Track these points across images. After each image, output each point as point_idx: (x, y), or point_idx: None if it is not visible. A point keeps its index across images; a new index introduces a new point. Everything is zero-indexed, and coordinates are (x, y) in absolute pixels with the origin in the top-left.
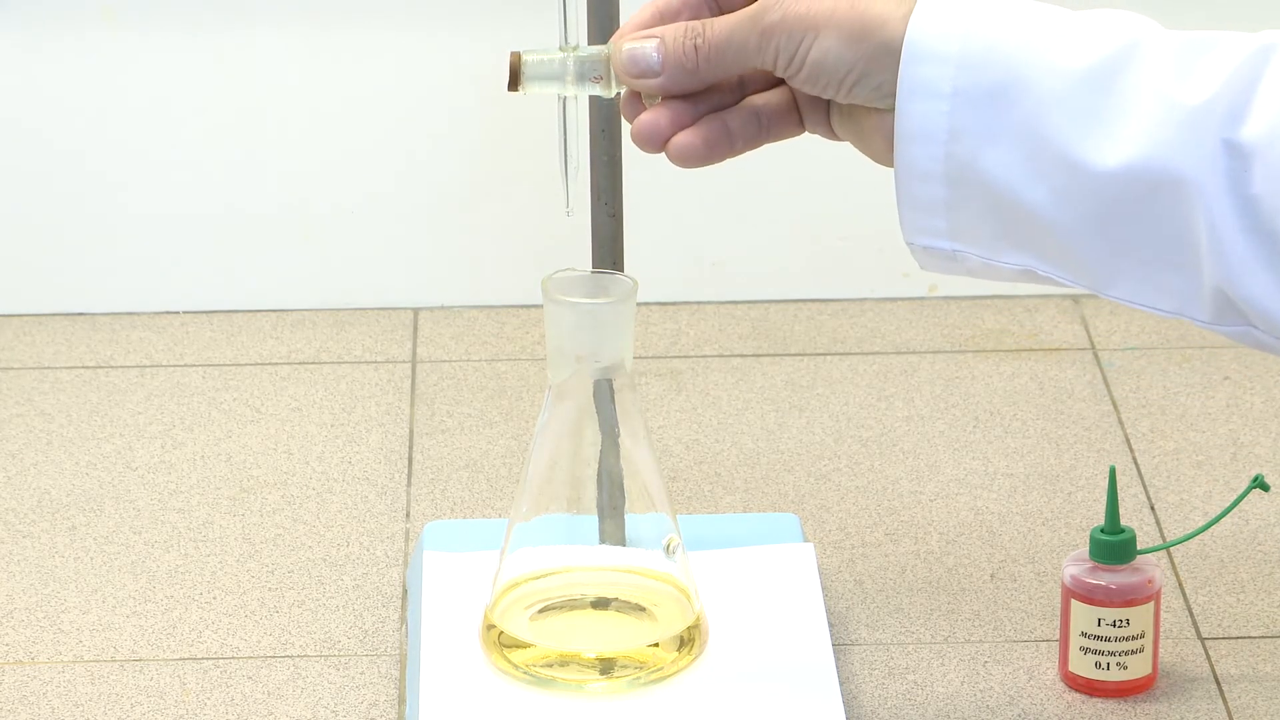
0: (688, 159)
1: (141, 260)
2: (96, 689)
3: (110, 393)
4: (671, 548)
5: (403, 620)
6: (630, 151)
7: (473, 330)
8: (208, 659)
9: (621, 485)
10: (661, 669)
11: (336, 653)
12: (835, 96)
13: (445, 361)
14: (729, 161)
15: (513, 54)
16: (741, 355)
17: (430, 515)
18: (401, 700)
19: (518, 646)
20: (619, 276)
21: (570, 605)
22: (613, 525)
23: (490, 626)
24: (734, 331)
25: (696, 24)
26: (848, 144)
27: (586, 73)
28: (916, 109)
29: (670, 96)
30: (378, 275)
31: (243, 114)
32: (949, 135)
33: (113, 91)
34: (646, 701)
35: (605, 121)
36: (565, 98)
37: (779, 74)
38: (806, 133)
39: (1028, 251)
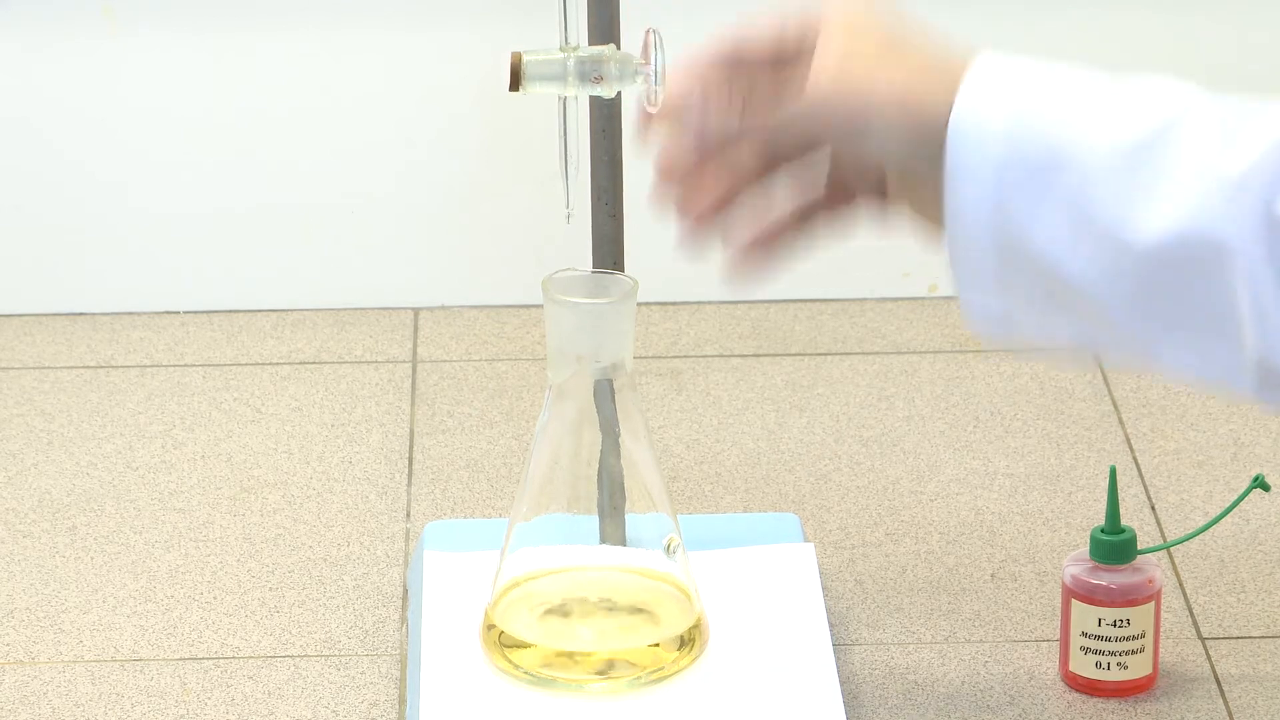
0: (750, 280)
1: (142, 260)
2: (97, 689)
3: (111, 392)
4: (672, 548)
5: (403, 620)
6: (630, 151)
7: (473, 330)
8: (208, 659)
9: (622, 485)
10: (662, 669)
11: (337, 652)
12: (894, 168)
13: (445, 361)
14: None
15: (514, 54)
16: (741, 355)
17: (431, 515)
18: (402, 700)
19: (518, 646)
20: (619, 276)
21: (571, 606)
22: (613, 525)
23: (491, 626)
24: (734, 331)
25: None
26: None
27: (587, 73)
28: (964, 188)
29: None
30: (378, 275)
31: (244, 114)
32: (995, 209)
33: (113, 91)
34: (647, 702)
35: (605, 121)
36: (565, 98)
37: (828, 149)
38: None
39: (1075, 322)
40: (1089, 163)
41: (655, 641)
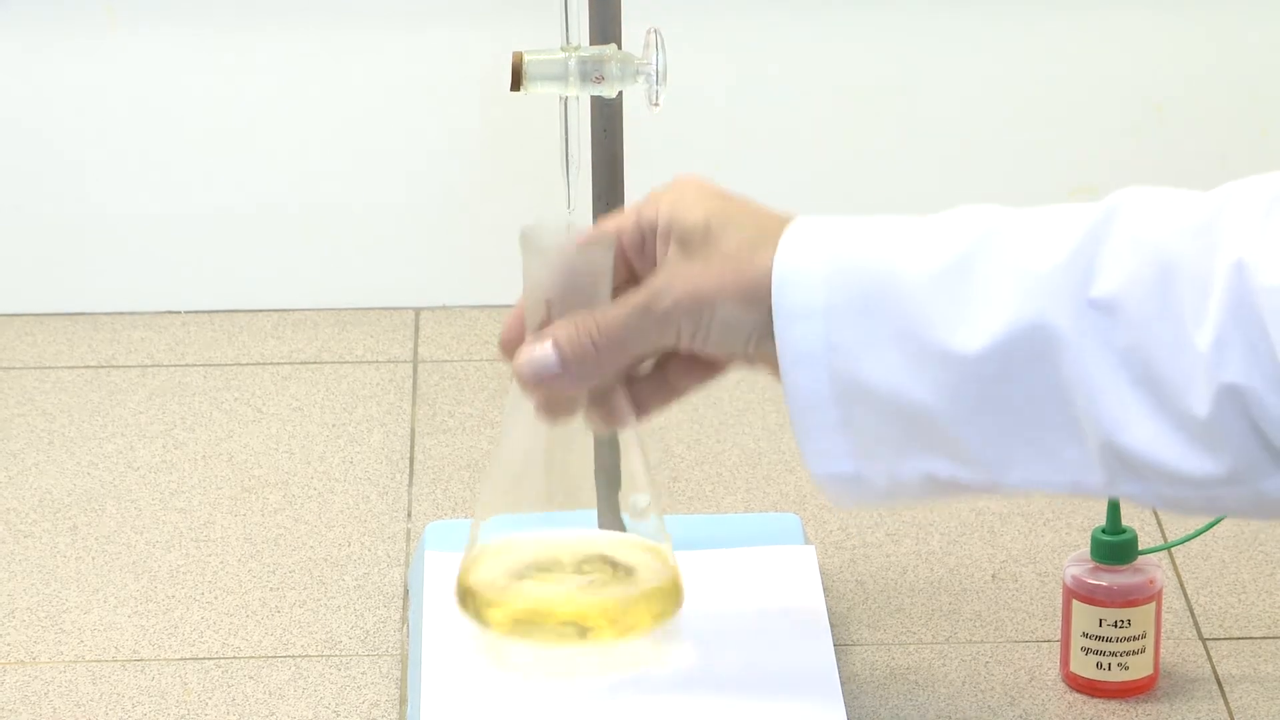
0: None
1: (143, 260)
2: (98, 689)
3: (111, 392)
4: (640, 508)
5: (404, 620)
6: (631, 151)
7: (474, 330)
8: (209, 659)
9: (616, 468)
10: (638, 626)
11: (338, 653)
12: (742, 354)
13: (447, 361)
14: (729, 160)
15: (515, 54)
16: None
17: (432, 515)
18: (403, 700)
19: (494, 605)
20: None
21: (546, 568)
22: (609, 511)
23: (468, 590)
24: None
25: (584, 319)
26: (842, 141)
27: (588, 73)
28: (794, 332)
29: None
30: (379, 275)
31: (244, 113)
32: (828, 350)
33: (113, 90)
34: (645, 701)
35: (606, 121)
36: (567, 98)
37: (684, 349)
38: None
39: (924, 456)
40: (909, 288)
41: (633, 595)
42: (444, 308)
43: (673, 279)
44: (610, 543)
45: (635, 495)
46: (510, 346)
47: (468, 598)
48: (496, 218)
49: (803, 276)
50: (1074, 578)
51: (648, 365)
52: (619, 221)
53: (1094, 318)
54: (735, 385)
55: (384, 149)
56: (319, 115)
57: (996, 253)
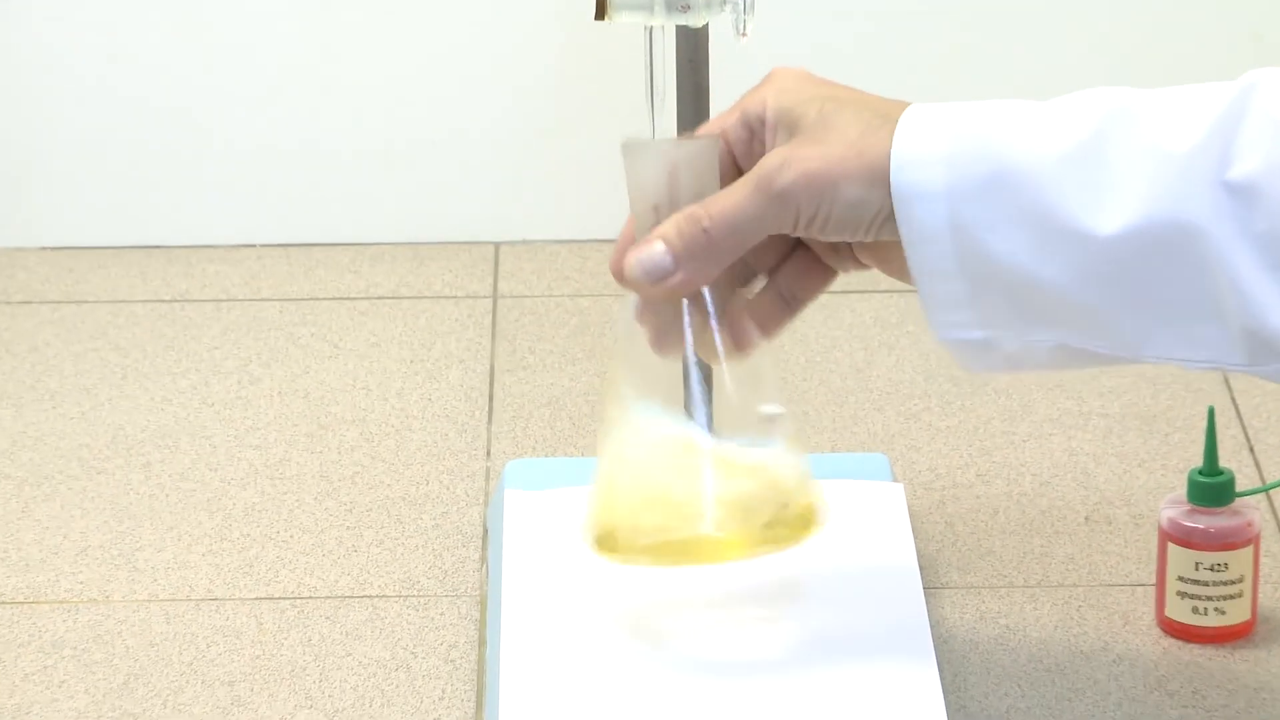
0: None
1: (217, 192)
2: (171, 628)
3: (186, 327)
4: (772, 420)
5: (483, 560)
6: (717, 82)
7: (554, 265)
8: (284, 599)
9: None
10: (787, 541)
11: (415, 593)
12: (864, 238)
13: (527, 297)
14: None
15: None
16: (829, 291)
17: (511, 453)
18: (482, 642)
19: (639, 545)
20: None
21: (688, 496)
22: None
23: (601, 530)
24: None
25: (694, 210)
26: (939, 67)
27: (674, 2)
28: (915, 212)
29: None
30: (458, 208)
31: (323, 47)
32: (952, 231)
33: (193, 24)
34: (731, 635)
35: (692, 51)
36: (652, 27)
37: (800, 233)
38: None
39: (1056, 328)
40: (1036, 168)
41: (785, 514)
42: (524, 242)
43: (790, 159)
44: (748, 459)
45: (766, 406)
46: (622, 268)
47: (607, 539)
48: (578, 151)
49: (924, 157)
50: (1170, 520)
51: (759, 282)
52: (722, 120)
53: (1232, 204)
54: (823, 322)
55: (464, 80)
56: (396, 46)
57: (1129, 133)
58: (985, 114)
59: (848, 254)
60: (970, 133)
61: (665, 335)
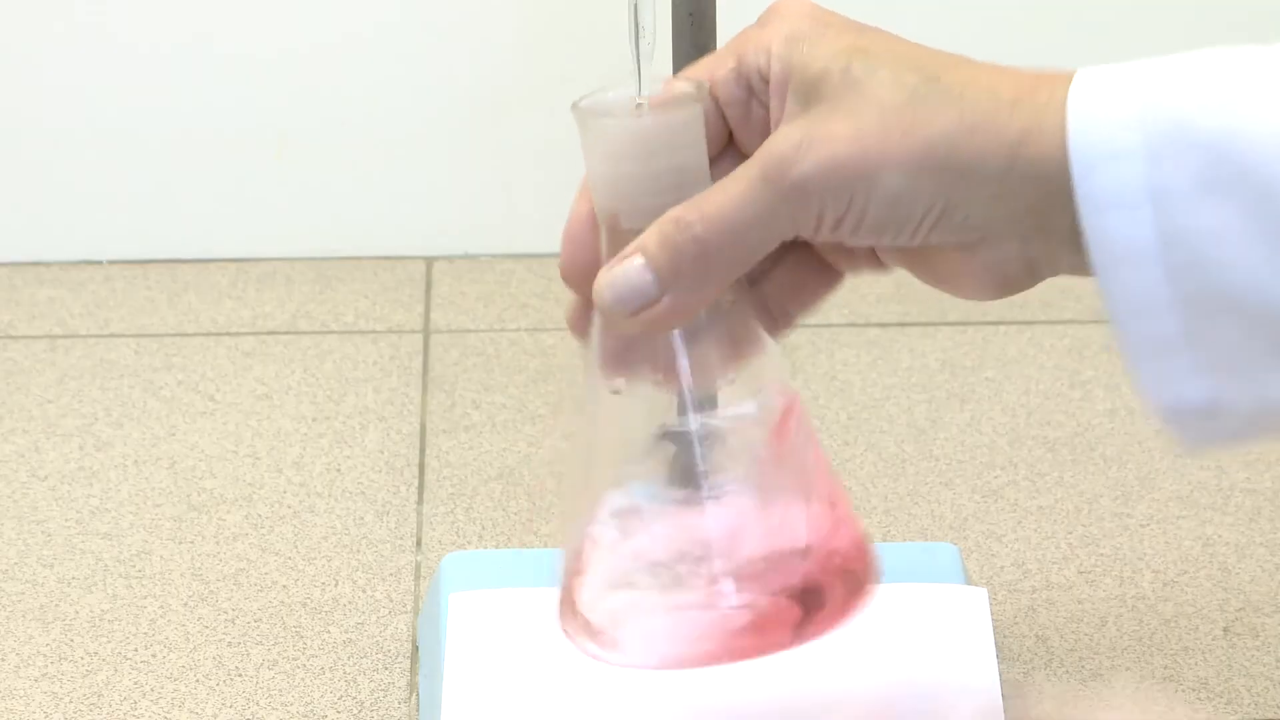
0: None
1: (52, 193)
2: None
3: (10, 372)
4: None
5: (412, 689)
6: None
7: (506, 288)
8: None
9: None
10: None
11: None
12: (908, 242)
13: (470, 331)
14: None
15: None
16: (882, 324)
17: (450, 544)
18: None
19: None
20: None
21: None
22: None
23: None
24: (870, 292)
25: (679, 212)
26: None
27: None
28: (1111, 225)
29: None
30: (377, 213)
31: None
32: (1161, 244)
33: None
34: None
35: (694, 4)
36: None
37: (823, 238)
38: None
39: None
40: (1268, 150)
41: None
42: (465, 256)
43: (808, 139)
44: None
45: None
46: (576, 272)
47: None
48: (534, 140)
49: (1116, 145)
50: None
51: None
52: (711, 68)
53: None
54: (872, 364)
55: (386, 46)
56: (294, 8)
57: None
58: (1178, 76)
59: (863, 250)
60: (1169, 102)
61: (622, 353)
